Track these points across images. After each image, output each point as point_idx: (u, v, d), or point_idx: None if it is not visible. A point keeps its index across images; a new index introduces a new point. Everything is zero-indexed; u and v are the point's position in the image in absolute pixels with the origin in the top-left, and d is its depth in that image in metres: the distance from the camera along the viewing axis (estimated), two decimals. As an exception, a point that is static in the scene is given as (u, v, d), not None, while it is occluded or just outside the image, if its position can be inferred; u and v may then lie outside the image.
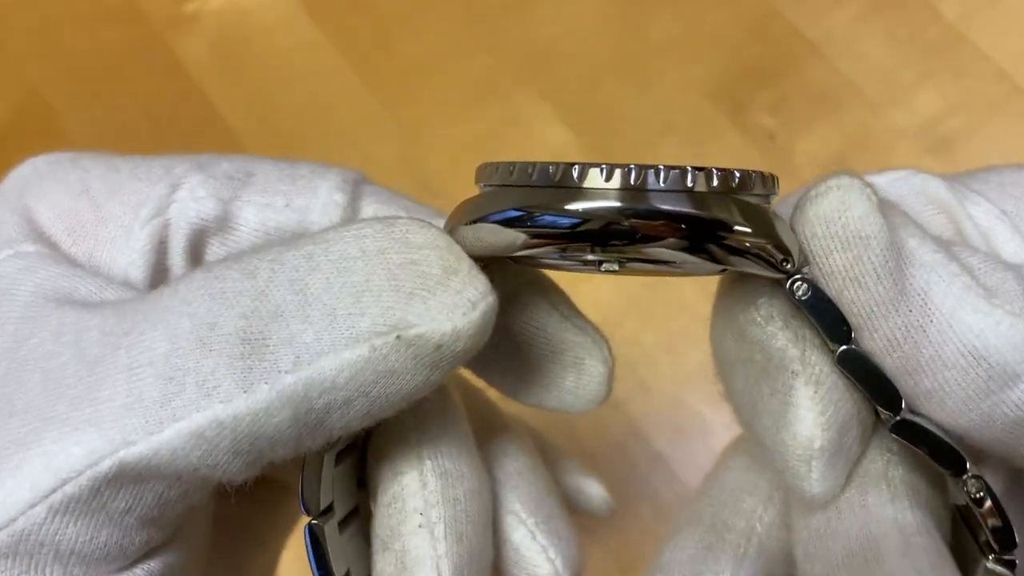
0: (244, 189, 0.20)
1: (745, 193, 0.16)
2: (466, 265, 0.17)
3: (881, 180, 0.21)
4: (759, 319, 0.18)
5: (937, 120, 0.44)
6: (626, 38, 0.47)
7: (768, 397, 0.18)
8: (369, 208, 0.21)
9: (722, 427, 0.40)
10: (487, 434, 0.23)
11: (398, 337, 0.16)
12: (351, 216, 0.21)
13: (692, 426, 0.39)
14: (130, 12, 0.49)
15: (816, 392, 0.17)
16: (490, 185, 0.17)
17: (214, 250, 0.20)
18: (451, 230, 0.17)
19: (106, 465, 0.16)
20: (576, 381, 0.21)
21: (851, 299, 0.17)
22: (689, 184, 0.16)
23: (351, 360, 0.16)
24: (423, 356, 0.16)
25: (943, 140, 0.43)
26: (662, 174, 0.16)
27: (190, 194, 0.20)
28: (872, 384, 0.17)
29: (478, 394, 0.24)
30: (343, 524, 0.20)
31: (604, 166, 0.16)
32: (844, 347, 0.17)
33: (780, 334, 0.18)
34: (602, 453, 0.40)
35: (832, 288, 0.17)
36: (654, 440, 0.40)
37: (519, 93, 0.46)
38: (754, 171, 0.17)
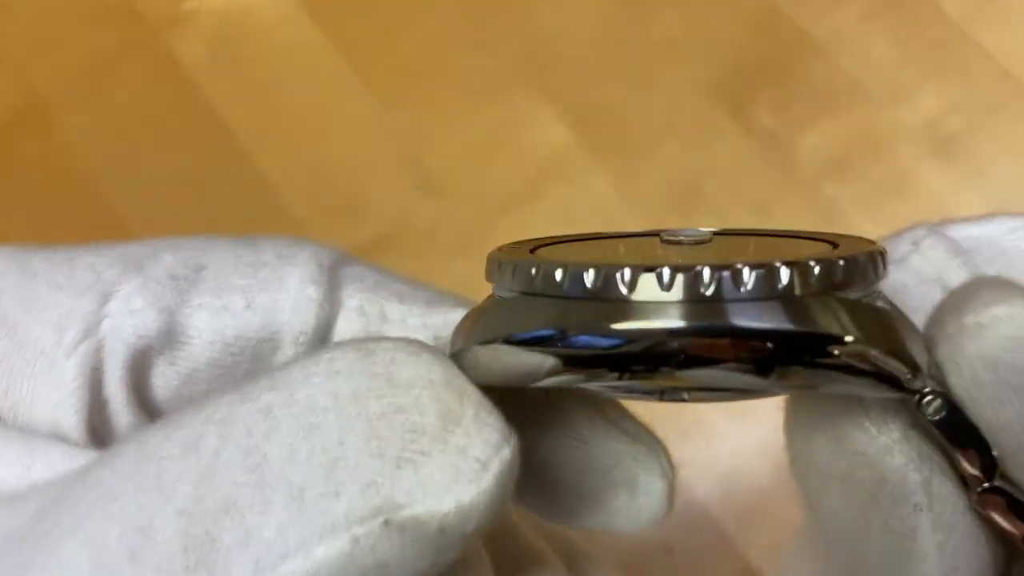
0: (192, 290, 0.16)
1: (851, 289, 0.12)
2: (471, 407, 0.13)
3: (989, 231, 0.17)
4: (869, 424, 0.14)
5: (940, 119, 0.43)
6: (627, 37, 0.47)
7: (879, 533, 0.14)
8: (352, 302, 0.17)
9: (725, 430, 0.40)
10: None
11: (386, 522, 0.12)
12: (330, 316, 0.17)
13: (695, 430, 0.39)
14: (127, 11, 0.49)
15: (947, 539, 0.14)
16: (508, 290, 0.13)
17: (162, 374, 0.16)
18: (458, 352, 0.14)
19: None
20: (629, 503, 0.17)
21: None
22: (781, 286, 0.12)
23: (327, 558, 0.12)
24: (423, 540, 0.13)
25: (946, 139, 0.43)
26: (746, 276, 0.12)
27: (124, 305, 0.16)
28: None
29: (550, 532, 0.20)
30: None
31: (661, 269, 0.12)
32: (989, 484, 0.13)
33: (898, 448, 0.14)
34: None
35: (1003, 443, 0.13)
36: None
37: (519, 92, 0.46)
38: (860, 253, 0.13)
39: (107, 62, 0.48)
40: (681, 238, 0.14)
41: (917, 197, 0.42)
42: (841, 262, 0.12)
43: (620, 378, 0.12)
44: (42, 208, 0.44)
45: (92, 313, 0.16)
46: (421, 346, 0.14)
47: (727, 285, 0.12)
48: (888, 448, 0.14)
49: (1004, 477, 0.13)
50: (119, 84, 0.48)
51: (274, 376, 0.14)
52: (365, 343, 0.14)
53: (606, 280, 0.12)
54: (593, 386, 0.13)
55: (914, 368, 0.12)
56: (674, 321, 0.12)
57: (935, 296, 0.16)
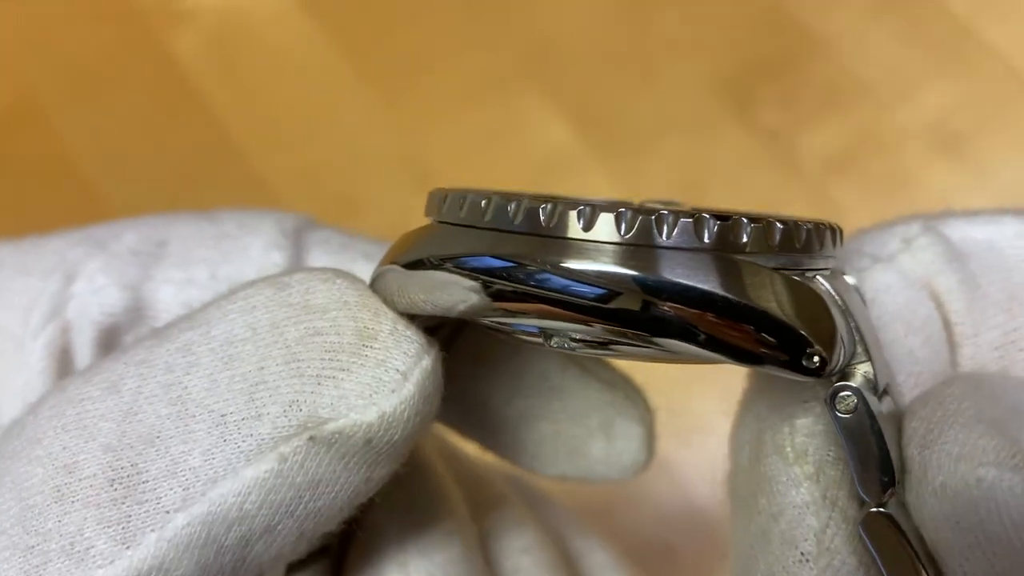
0: (156, 266, 0.16)
1: (783, 257, 0.12)
2: (388, 323, 0.13)
3: (992, 234, 0.15)
4: (789, 450, 0.13)
5: (945, 117, 0.43)
6: (629, 33, 0.47)
7: (763, 571, 0.13)
8: (318, 265, 0.17)
9: (724, 428, 0.39)
10: (498, 537, 0.18)
11: (312, 438, 0.12)
12: None
13: (694, 429, 0.39)
14: (124, 9, 0.49)
15: None
16: (447, 222, 0.13)
17: None
18: (381, 273, 0.13)
19: None
20: (607, 448, 0.17)
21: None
22: (708, 239, 0.11)
23: (256, 479, 0.12)
24: (351, 454, 0.13)
25: (951, 137, 0.43)
26: (669, 222, 0.11)
27: (88, 285, 0.16)
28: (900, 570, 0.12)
29: (469, 467, 0.20)
30: None
31: (585, 208, 0.12)
32: (875, 510, 0.12)
33: (805, 487, 0.13)
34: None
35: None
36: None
37: (520, 89, 0.46)
38: (804, 223, 0.12)
39: (104, 61, 0.48)
40: (660, 207, 0.14)
41: (921, 195, 0.41)
42: (780, 226, 0.12)
43: (527, 315, 0.12)
44: (38, 206, 0.44)
45: (57, 294, 0.16)
46: (335, 272, 0.14)
47: (652, 230, 0.11)
48: (795, 482, 0.13)
49: (901, 504, 0.13)
50: (116, 83, 0.47)
51: (191, 317, 0.14)
52: (279, 277, 0.14)
53: (528, 214, 0.12)
54: (495, 319, 0.13)
55: (824, 343, 0.12)
56: (597, 263, 0.11)
57: (921, 305, 0.14)
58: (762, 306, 0.11)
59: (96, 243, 0.16)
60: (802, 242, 0.12)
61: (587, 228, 0.12)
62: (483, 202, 0.12)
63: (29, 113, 0.47)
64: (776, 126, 0.44)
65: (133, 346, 0.14)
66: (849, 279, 0.14)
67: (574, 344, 0.13)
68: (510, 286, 0.12)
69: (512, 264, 0.12)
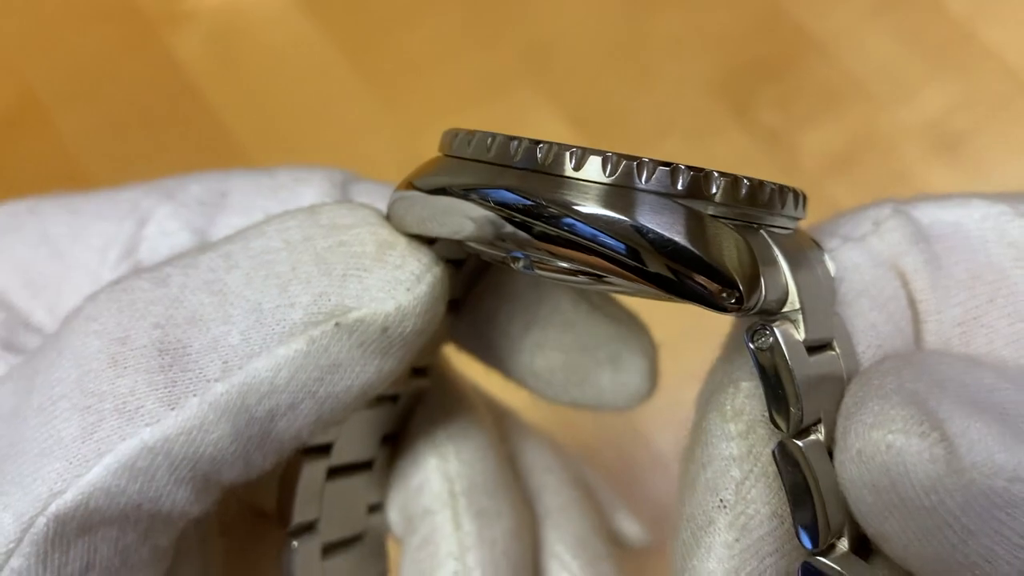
0: (220, 213, 0.18)
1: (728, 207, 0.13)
2: (404, 239, 0.15)
3: (960, 216, 0.16)
4: (728, 408, 0.15)
5: (943, 118, 0.43)
6: (628, 34, 0.47)
7: (685, 519, 0.14)
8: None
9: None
10: (524, 459, 0.20)
11: (337, 324, 0.14)
12: None
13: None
14: (125, 9, 0.49)
15: (737, 541, 0.14)
16: (457, 156, 0.15)
17: None
18: (400, 197, 0.15)
19: (41, 524, 0.13)
20: (613, 378, 0.18)
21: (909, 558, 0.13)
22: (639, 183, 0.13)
23: (288, 357, 0.14)
24: (369, 342, 0.15)
25: (949, 138, 0.43)
26: (647, 170, 0.13)
27: (159, 228, 0.18)
28: (801, 499, 0.13)
29: (511, 414, 0.22)
30: (333, 549, 0.18)
31: (607, 154, 0.13)
32: (787, 440, 0.13)
33: (735, 442, 0.14)
34: (602, 453, 0.40)
35: (889, 551, 0.13)
36: (654, 440, 0.39)
37: (519, 89, 0.46)
38: (770, 183, 0.13)
39: (104, 61, 0.48)
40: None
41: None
42: (746, 182, 0.13)
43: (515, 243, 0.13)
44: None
45: (131, 236, 0.18)
46: (361, 204, 0.16)
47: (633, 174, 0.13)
48: (726, 436, 0.14)
49: (814, 447, 0.14)
50: (116, 83, 0.47)
51: (231, 235, 0.16)
52: (312, 206, 0.16)
53: (527, 152, 0.13)
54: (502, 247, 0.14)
55: (727, 283, 0.13)
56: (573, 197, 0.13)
57: (887, 283, 0.15)
58: (697, 248, 0.13)
59: (165, 193, 0.18)
60: (765, 199, 0.14)
61: (577, 168, 0.13)
62: (488, 140, 0.14)
63: (29, 113, 0.47)
64: (775, 126, 0.44)
65: (177, 255, 0.16)
66: (826, 258, 0.15)
67: (535, 268, 0.14)
68: (528, 220, 0.13)
69: (529, 202, 0.13)
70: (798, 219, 0.15)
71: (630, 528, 0.24)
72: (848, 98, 0.44)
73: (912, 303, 0.15)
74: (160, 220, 0.18)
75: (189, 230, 0.18)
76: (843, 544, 0.14)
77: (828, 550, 0.13)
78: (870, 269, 0.15)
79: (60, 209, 0.19)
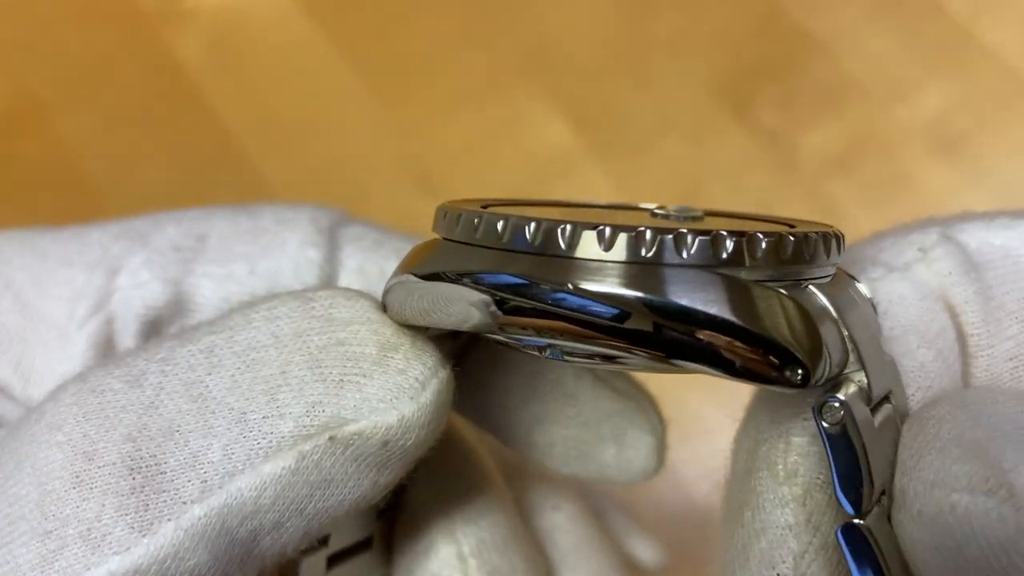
0: (196, 260, 0.17)
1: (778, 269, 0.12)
2: (408, 338, 0.14)
3: (1010, 240, 0.15)
4: (780, 468, 0.13)
5: (943, 118, 0.43)
6: (627, 34, 0.46)
7: None
8: (352, 262, 0.17)
9: (724, 428, 0.39)
10: (529, 500, 0.19)
11: (331, 438, 0.13)
12: (330, 276, 0.17)
13: (694, 427, 0.39)
14: (124, 9, 0.49)
15: None
16: (459, 241, 0.13)
17: None
18: (397, 283, 0.14)
19: None
20: (618, 454, 0.17)
21: None
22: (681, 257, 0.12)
23: (274, 475, 0.13)
24: (366, 456, 0.13)
25: (948, 138, 0.43)
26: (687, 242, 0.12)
27: (132, 279, 0.16)
28: None
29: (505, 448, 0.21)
30: None
31: (602, 228, 0.12)
32: (854, 521, 0.12)
33: (791, 508, 0.13)
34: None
35: None
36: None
37: (519, 90, 0.46)
38: (813, 233, 0.12)
39: (104, 61, 0.48)
40: (671, 212, 0.14)
41: (919, 196, 0.41)
42: (791, 239, 0.12)
43: (539, 333, 0.12)
44: (38, 207, 0.44)
45: (101, 288, 0.16)
46: (358, 292, 0.14)
47: (667, 250, 0.12)
48: (782, 502, 0.13)
49: (886, 523, 0.13)
50: (116, 83, 0.47)
51: (214, 322, 0.14)
52: (304, 292, 0.14)
53: (547, 236, 0.12)
54: (504, 334, 0.13)
55: (791, 359, 0.12)
56: (626, 291, 0.12)
57: (935, 317, 0.14)
58: (750, 324, 0.12)
59: (138, 237, 0.17)
60: (810, 254, 0.12)
61: (607, 248, 0.12)
62: (499, 224, 0.12)
63: (29, 113, 0.47)
64: (775, 127, 0.44)
65: (154, 344, 0.14)
66: (862, 287, 0.14)
67: (566, 357, 0.13)
68: (528, 303, 0.12)
69: (527, 282, 0.12)
70: (836, 264, 0.13)
71: (645, 552, 0.23)
72: (848, 98, 0.44)
73: (961, 337, 0.15)
74: (133, 269, 0.17)
75: (162, 280, 0.16)
76: None
77: None
78: (917, 302, 0.14)
79: (24, 251, 0.17)
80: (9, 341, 0.16)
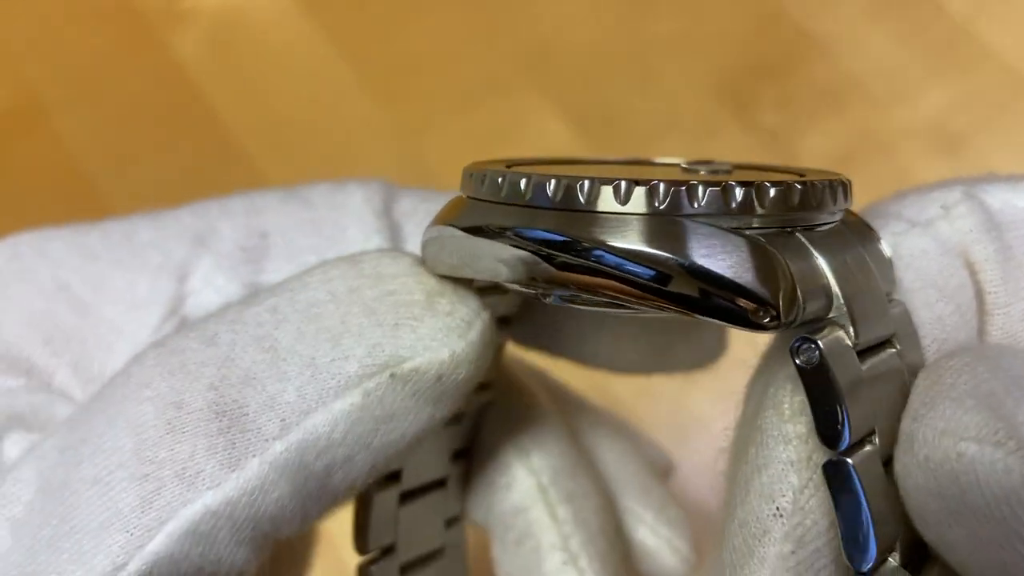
0: (265, 259, 0.18)
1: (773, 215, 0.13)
2: (451, 286, 0.15)
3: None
4: (786, 407, 0.14)
5: (944, 118, 0.43)
6: (628, 34, 0.47)
7: (739, 524, 0.14)
8: (412, 239, 0.18)
9: (723, 427, 0.39)
10: (575, 425, 0.21)
11: (392, 375, 0.14)
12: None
13: (693, 426, 0.39)
14: (124, 9, 0.49)
15: (793, 554, 0.13)
16: (480, 199, 0.14)
17: None
18: (436, 236, 0.15)
19: None
20: (688, 348, 0.20)
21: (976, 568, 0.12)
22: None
23: (344, 411, 0.14)
24: (423, 391, 0.15)
25: (950, 138, 0.43)
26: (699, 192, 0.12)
27: (206, 283, 0.17)
28: (853, 523, 0.12)
29: (544, 376, 0.22)
30: (412, 567, 0.19)
31: (618, 182, 0.12)
32: (836, 458, 0.13)
33: (794, 444, 0.13)
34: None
35: (951, 559, 0.12)
36: (655, 440, 0.39)
37: (519, 89, 0.46)
38: (819, 181, 0.13)
39: (104, 61, 0.48)
40: (701, 168, 0.15)
41: (920, 196, 0.41)
42: (798, 187, 0.13)
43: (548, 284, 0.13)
44: (39, 207, 0.44)
45: (173, 293, 0.17)
46: (400, 251, 0.16)
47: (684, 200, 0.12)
48: (786, 438, 0.13)
49: (868, 459, 0.13)
50: (116, 83, 0.47)
51: (273, 288, 0.15)
52: (352, 255, 0.16)
53: (567, 191, 0.13)
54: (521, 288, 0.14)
55: (761, 301, 0.12)
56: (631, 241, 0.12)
57: (955, 273, 0.15)
58: (716, 271, 0.12)
59: (195, 238, 0.18)
60: (817, 201, 0.13)
61: (623, 202, 0.13)
62: (523, 182, 0.13)
63: (30, 114, 0.47)
64: (775, 126, 0.44)
65: (220, 311, 0.15)
66: (884, 245, 0.15)
67: (566, 302, 0.14)
68: (575, 260, 0.13)
69: (567, 239, 0.13)
70: (843, 210, 0.14)
71: (660, 459, 0.24)
72: (848, 98, 0.44)
73: (979, 294, 0.15)
74: (204, 274, 0.18)
75: (239, 282, 0.18)
76: (893, 558, 0.13)
77: (879, 566, 0.13)
78: (938, 257, 0.15)
79: (72, 252, 0.18)
80: (67, 342, 0.17)
